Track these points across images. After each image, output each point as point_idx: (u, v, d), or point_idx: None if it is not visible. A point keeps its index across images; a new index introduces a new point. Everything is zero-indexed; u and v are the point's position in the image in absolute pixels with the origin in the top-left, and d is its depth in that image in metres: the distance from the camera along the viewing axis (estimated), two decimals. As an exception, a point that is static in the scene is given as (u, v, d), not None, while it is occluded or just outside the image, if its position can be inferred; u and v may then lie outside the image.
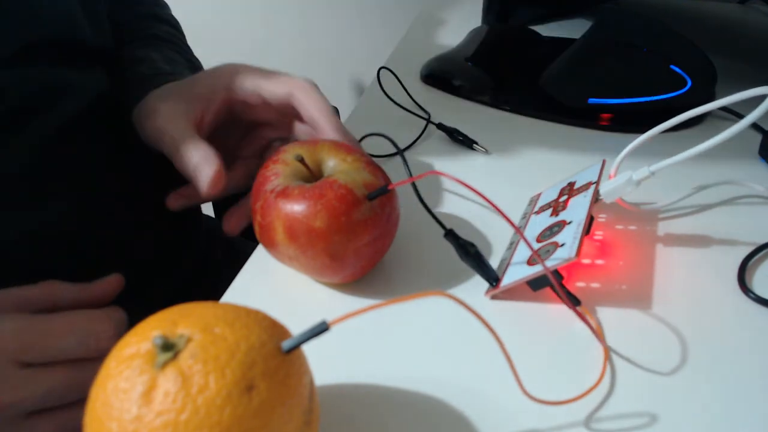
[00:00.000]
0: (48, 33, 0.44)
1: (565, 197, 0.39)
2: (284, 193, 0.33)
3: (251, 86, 0.42)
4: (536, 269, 0.33)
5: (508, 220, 0.31)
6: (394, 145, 0.38)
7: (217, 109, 0.43)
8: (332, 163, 0.35)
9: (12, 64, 0.42)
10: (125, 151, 0.50)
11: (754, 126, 0.49)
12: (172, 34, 0.59)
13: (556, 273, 0.32)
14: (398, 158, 0.38)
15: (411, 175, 0.37)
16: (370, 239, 0.34)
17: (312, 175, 0.35)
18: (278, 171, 0.35)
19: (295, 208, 0.32)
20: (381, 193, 0.33)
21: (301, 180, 0.34)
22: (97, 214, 0.47)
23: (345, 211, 0.32)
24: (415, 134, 0.51)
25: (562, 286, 0.33)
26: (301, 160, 0.34)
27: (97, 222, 0.47)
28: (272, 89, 0.42)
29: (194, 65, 0.57)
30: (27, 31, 0.43)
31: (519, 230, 0.31)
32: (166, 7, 0.66)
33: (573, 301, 0.32)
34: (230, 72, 0.43)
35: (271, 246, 0.34)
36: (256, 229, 0.35)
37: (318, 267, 0.34)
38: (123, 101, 0.48)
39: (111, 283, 0.40)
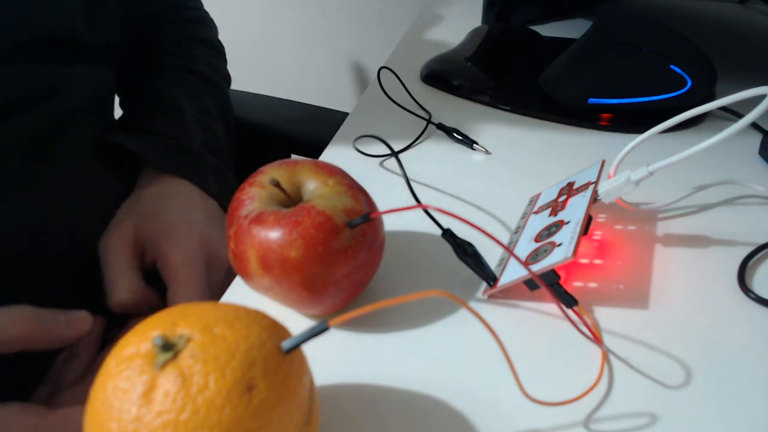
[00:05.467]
0: (44, 30, 0.44)
1: (564, 197, 0.39)
2: (258, 219, 0.31)
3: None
4: (533, 269, 0.33)
5: (484, 231, 0.31)
6: (389, 147, 0.38)
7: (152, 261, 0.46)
8: (312, 186, 0.33)
9: (4, 61, 0.42)
10: (115, 148, 0.50)
11: (754, 126, 0.49)
12: (215, 69, 0.62)
13: (554, 273, 0.32)
14: (397, 157, 0.38)
15: (406, 175, 0.37)
16: (350, 270, 0.32)
17: (290, 199, 0.33)
18: (253, 194, 0.32)
19: (269, 236, 0.30)
20: (362, 221, 0.31)
21: (277, 204, 0.32)
22: (88, 211, 0.47)
23: (323, 240, 0.30)
24: (415, 134, 0.51)
25: (559, 287, 0.33)
26: (277, 185, 0.32)
27: (89, 218, 0.47)
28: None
29: (224, 115, 0.60)
30: (21, 29, 0.43)
31: (497, 239, 0.31)
32: (212, 27, 0.67)
33: (570, 301, 0.32)
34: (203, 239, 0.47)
35: (245, 275, 0.32)
36: (230, 256, 0.33)
37: (294, 299, 0.32)
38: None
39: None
